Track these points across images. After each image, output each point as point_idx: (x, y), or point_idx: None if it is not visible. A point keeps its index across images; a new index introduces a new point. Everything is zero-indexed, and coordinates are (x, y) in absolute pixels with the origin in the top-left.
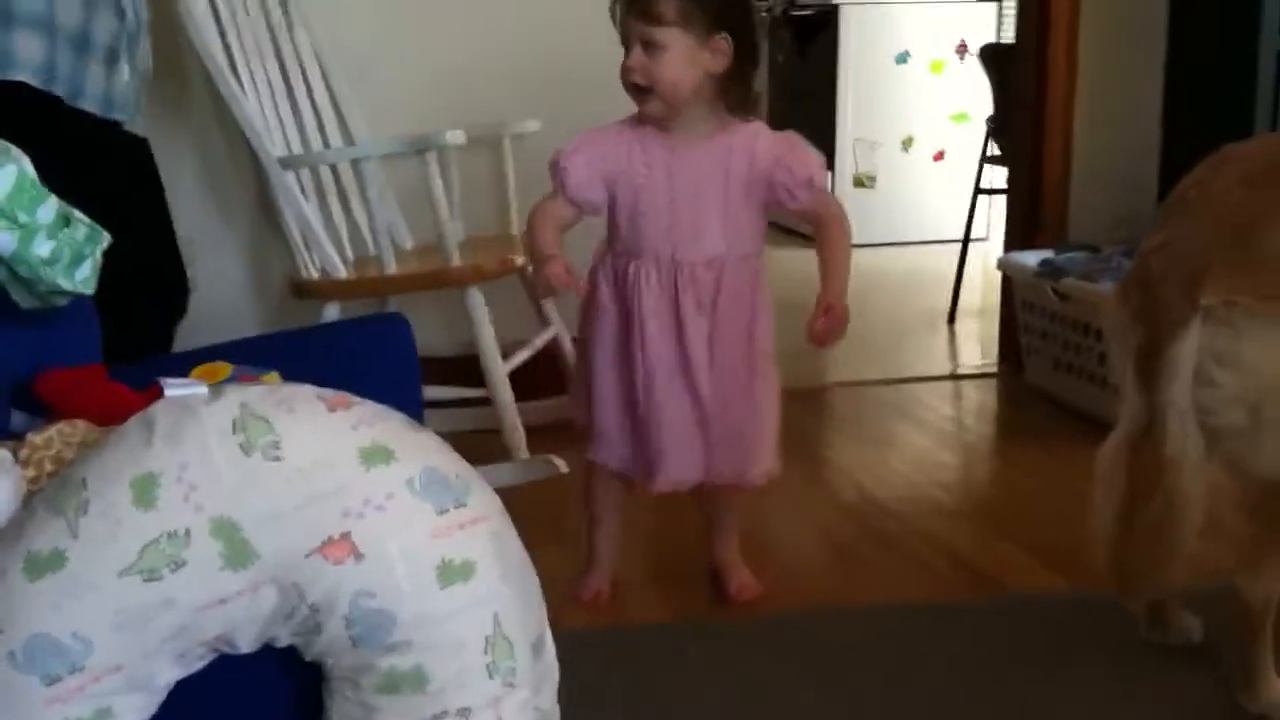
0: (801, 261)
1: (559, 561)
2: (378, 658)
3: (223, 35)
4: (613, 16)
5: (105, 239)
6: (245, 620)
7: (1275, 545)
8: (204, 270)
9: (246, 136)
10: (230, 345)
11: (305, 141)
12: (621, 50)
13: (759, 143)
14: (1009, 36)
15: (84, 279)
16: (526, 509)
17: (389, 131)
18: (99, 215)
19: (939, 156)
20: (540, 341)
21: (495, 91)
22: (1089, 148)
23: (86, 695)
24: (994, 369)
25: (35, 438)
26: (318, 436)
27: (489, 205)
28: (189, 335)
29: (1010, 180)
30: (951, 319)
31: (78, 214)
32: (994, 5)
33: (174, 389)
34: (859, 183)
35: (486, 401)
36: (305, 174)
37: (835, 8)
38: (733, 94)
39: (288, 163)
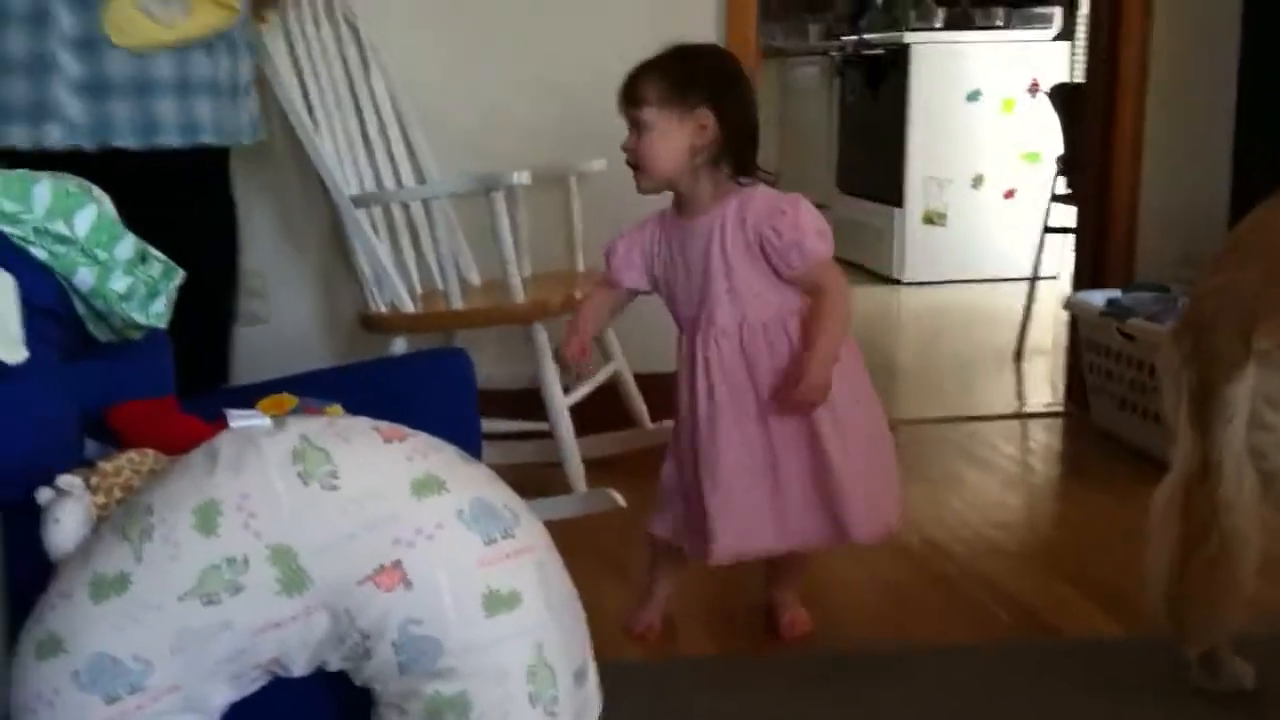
0: (864, 296)
1: (614, 594)
2: (424, 684)
3: (300, 78)
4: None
5: (179, 275)
6: (298, 644)
7: None
8: (277, 304)
9: (321, 175)
10: (297, 378)
11: (377, 180)
12: None
13: (751, 205)
14: (1081, 76)
15: (158, 313)
16: (584, 542)
17: (458, 171)
18: (183, 243)
19: (1010, 194)
20: (601, 376)
21: (562, 132)
22: (1157, 188)
23: (145, 715)
24: (1060, 408)
25: (106, 465)
26: (373, 467)
27: (555, 243)
28: (261, 366)
29: (1078, 220)
30: (1018, 357)
31: (153, 251)
32: (1067, 44)
33: (238, 420)
34: (929, 219)
35: (548, 435)
36: (376, 211)
37: (906, 47)
38: (729, 162)
39: (360, 201)
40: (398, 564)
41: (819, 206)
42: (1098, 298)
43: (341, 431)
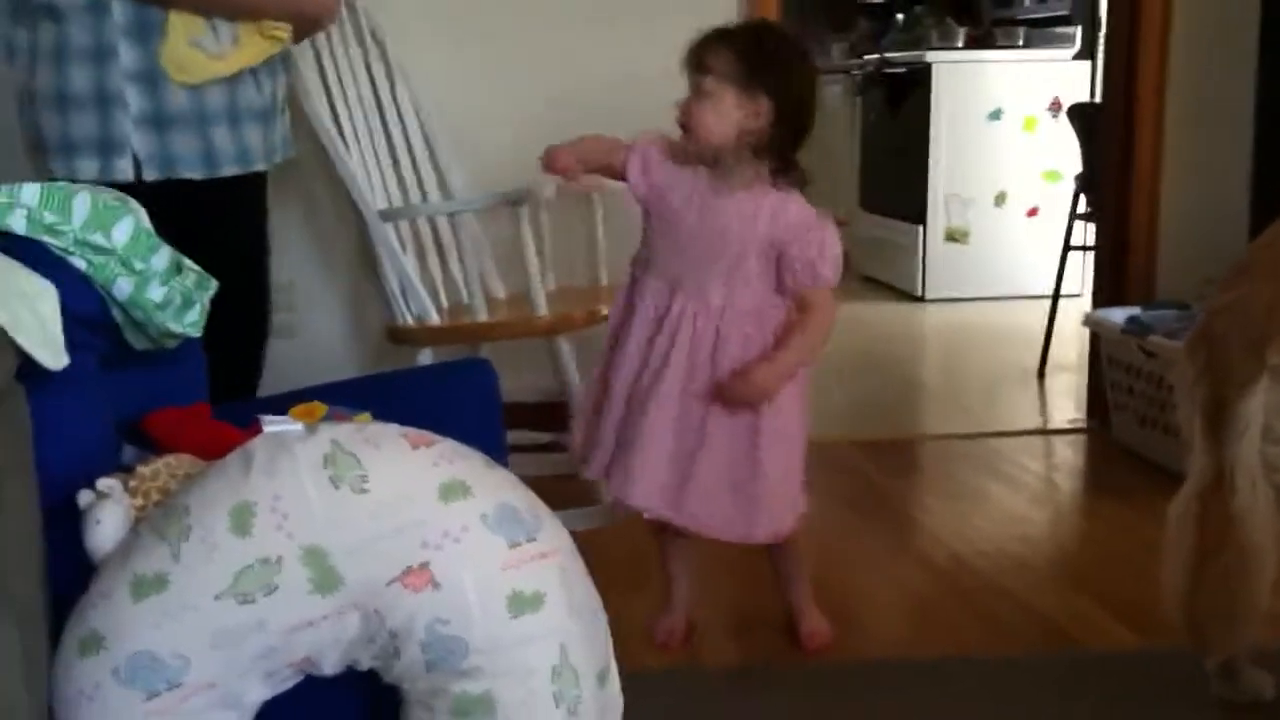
0: (887, 313)
1: (636, 605)
2: (451, 682)
3: (329, 95)
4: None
5: (213, 285)
6: (330, 643)
7: None
8: (306, 316)
9: (349, 190)
10: (327, 387)
11: (404, 195)
12: None
13: (786, 212)
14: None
15: (192, 322)
16: (606, 553)
17: (484, 185)
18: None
19: (1033, 212)
20: None
21: None
22: (1177, 206)
23: (183, 710)
24: (1083, 425)
25: (144, 469)
26: (401, 472)
27: (579, 257)
28: (291, 377)
29: (1098, 237)
30: (1042, 374)
31: (188, 262)
32: (1087, 63)
33: (272, 426)
34: (951, 237)
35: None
36: (403, 226)
37: (928, 66)
38: (771, 159)
39: (387, 215)
40: (425, 566)
41: (839, 224)
42: (1118, 315)
43: (371, 437)
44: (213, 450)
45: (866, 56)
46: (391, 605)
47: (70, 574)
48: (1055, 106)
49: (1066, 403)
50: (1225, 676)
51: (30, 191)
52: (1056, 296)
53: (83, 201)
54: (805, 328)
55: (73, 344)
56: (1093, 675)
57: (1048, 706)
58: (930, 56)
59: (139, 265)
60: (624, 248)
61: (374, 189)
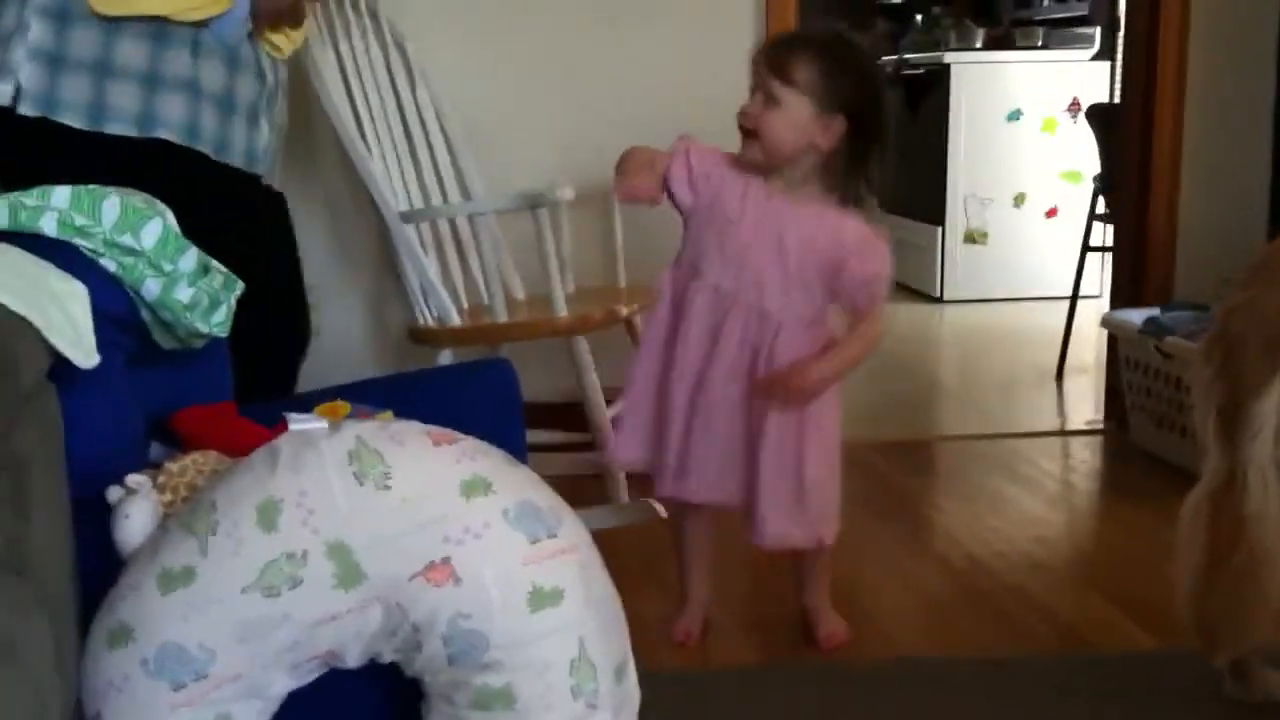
0: (905, 315)
1: (654, 604)
2: (471, 675)
3: (350, 97)
4: (750, 64)
5: (239, 286)
6: (353, 636)
7: None
8: (328, 317)
9: (370, 191)
10: (350, 386)
11: (425, 196)
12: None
13: (846, 230)
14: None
15: (219, 323)
16: (625, 553)
17: (503, 188)
18: (239, 259)
19: (1052, 213)
20: None
21: (604, 149)
22: (1195, 207)
23: (209, 701)
24: (1100, 426)
25: (172, 465)
26: (424, 469)
27: (597, 258)
28: (314, 377)
29: (1116, 238)
30: (1060, 375)
31: (215, 263)
32: (1106, 64)
33: (297, 424)
34: (970, 239)
35: (590, 446)
36: (424, 227)
37: (947, 67)
38: (836, 178)
39: (408, 216)
40: (447, 561)
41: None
42: (1136, 316)
43: (395, 435)
44: (239, 447)
45: (885, 57)
46: (413, 599)
47: (99, 568)
48: (1074, 107)
49: (1084, 404)
50: (1237, 677)
51: (61, 194)
52: (1075, 297)
53: (112, 204)
54: (860, 334)
55: (102, 343)
56: (1108, 676)
57: (1063, 707)
58: (949, 57)
59: (167, 266)
60: (642, 248)
61: (395, 190)
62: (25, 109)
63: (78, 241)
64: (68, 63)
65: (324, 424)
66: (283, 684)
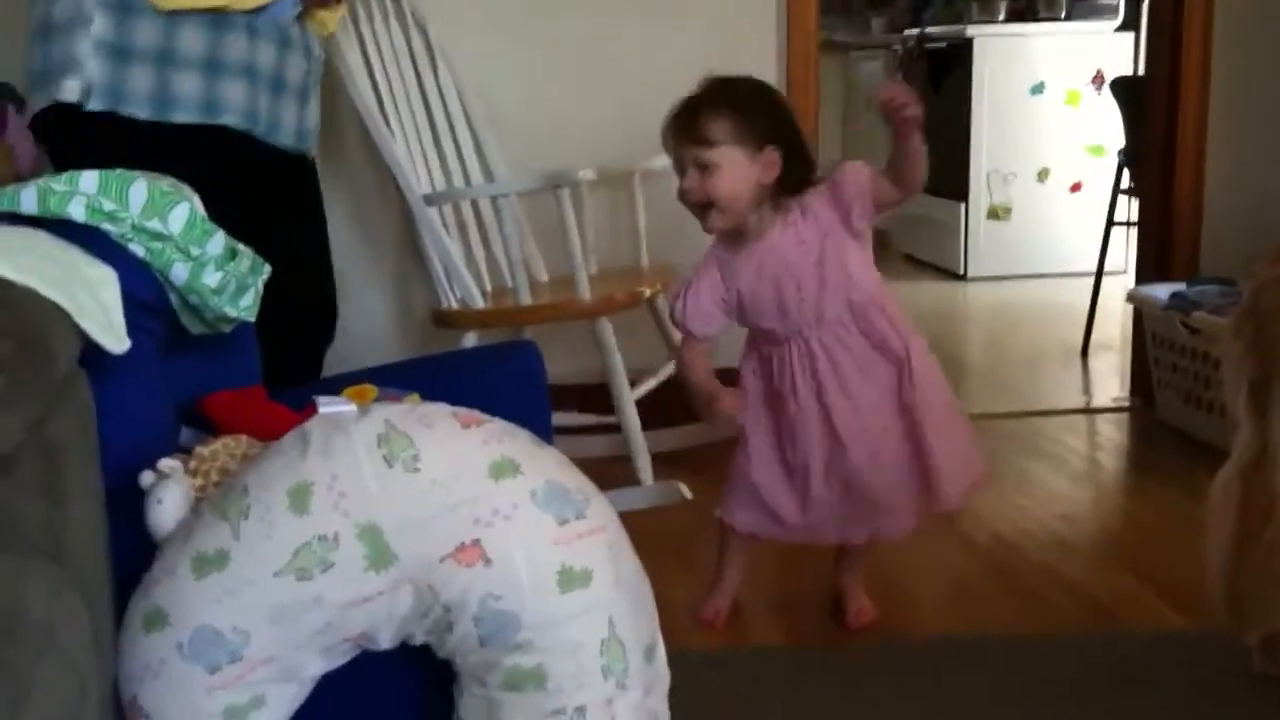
0: (929, 292)
1: (681, 585)
2: (503, 656)
3: (373, 80)
4: (665, 145)
5: (266, 270)
6: (385, 618)
7: None
8: (353, 301)
9: (394, 174)
10: (377, 370)
11: (447, 179)
12: None
13: (813, 200)
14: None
15: (247, 307)
16: (651, 534)
17: (526, 169)
18: (284, 240)
19: (1076, 188)
20: (666, 372)
21: (626, 131)
22: (1221, 180)
23: (245, 684)
24: (1126, 403)
25: (203, 450)
26: (452, 451)
27: (620, 239)
28: (339, 360)
29: (1141, 213)
30: (1085, 352)
31: (242, 247)
32: (1130, 35)
33: (326, 407)
34: (993, 214)
35: (615, 428)
36: (447, 210)
37: (969, 41)
38: (788, 189)
39: (431, 199)
40: (477, 542)
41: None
42: (1161, 291)
43: (423, 417)
44: (269, 431)
45: (906, 31)
46: (444, 581)
47: (133, 552)
48: (1098, 80)
49: (1110, 381)
50: (1268, 653)
51: (89, 179)
52: (1100, 273)
53: (139, 189)
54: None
55: (132, 329)
56: (1136, 653)
57: (1090, 685)
58: (971, 30)
59: (195, 251)
60: (664, 230)
61: (418, 173)
62: (93, 104)
63: (106, 227)
64: (132, 54)
65: (353, 407)
66: (316, 666)
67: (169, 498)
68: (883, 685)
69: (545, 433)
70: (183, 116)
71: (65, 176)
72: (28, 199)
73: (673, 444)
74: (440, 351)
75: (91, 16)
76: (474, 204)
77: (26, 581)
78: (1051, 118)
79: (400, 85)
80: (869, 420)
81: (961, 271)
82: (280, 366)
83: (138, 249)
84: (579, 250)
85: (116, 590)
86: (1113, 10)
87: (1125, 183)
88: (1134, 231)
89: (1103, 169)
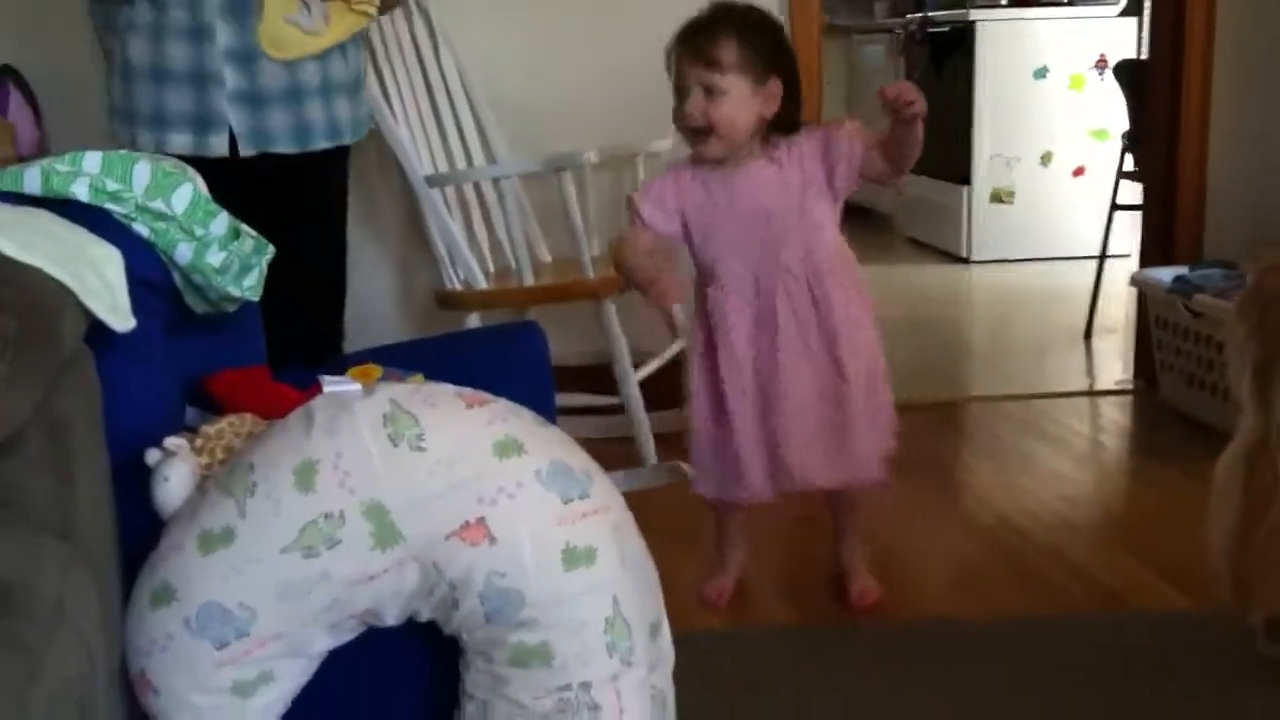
0: (932, 275)
1: (685, 565)
2: (508, 633)
3: (375, 62)
4: (668, 65)
5: (270, 250)
6: (391, 595)
7: None
8: (356, 282)
9: (396, 156)
10: (381, 350)
11: (450, 160)
12: None
13: (803, 146)
14: (1148, 51)
15: (251, 286)
16: (655, 514)
17: (528, 151)
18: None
19: (1079, 172)
20: (669, 353)
21: (627, 113)
22: (1225, 164)
23: (252, 659)
24: (1130, 386)
25: (208, 429)
26: (457, 430)
27: (622, 221)
28: (344, 342)
29: (1145, 197)
30: (1089, 335)
31: (245, 228)
32: (1134, 19)
33: (332, 386)
34: (996, 198)
35: (618, 409)
36: (450, 191)
37: (971, 24)
38: (780, 127)
39: (434, 180)
40: (482, 520)
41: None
42: (1165, 275)
43: (428, 397)
44: (274, 410)
45: (909, 15)
46: (450, 559)
47: (139, 529)
48: (1101, 64)
49: (1114, 364)
50: (1271, 635)
51: (92, 159)
52: (1103, 257)
53: (143, 169)
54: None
55: (137, 308)
56: (1139, 635)
57: (1093, 666)
58: (974, 14)
59: (198, 231)
60: None
61: (420, 154)
62: (244, 150)
63: (110, 207)
64: (266, 99)
65: (357, 387)
66: (323, 642)
67: (175, 476)
68: (889, 667)
69: (549, 413)
70: (316, 144)
71: (68, 157)
72: (31, 179)
73: (676, 425)
74: (444, 332)
75: (220, 70)
76: (476, 186)
77: (35, 557)
78: (1055, 102)
79: (403, 67)
80: (793, 378)
81: (965, 255)
82: (307, 338)
83: (142, 229)
84: (581, 231)
85: (123, 567)
86: None
87: (1128, 166)
88: (1137, 215)
89: (1106, 153)
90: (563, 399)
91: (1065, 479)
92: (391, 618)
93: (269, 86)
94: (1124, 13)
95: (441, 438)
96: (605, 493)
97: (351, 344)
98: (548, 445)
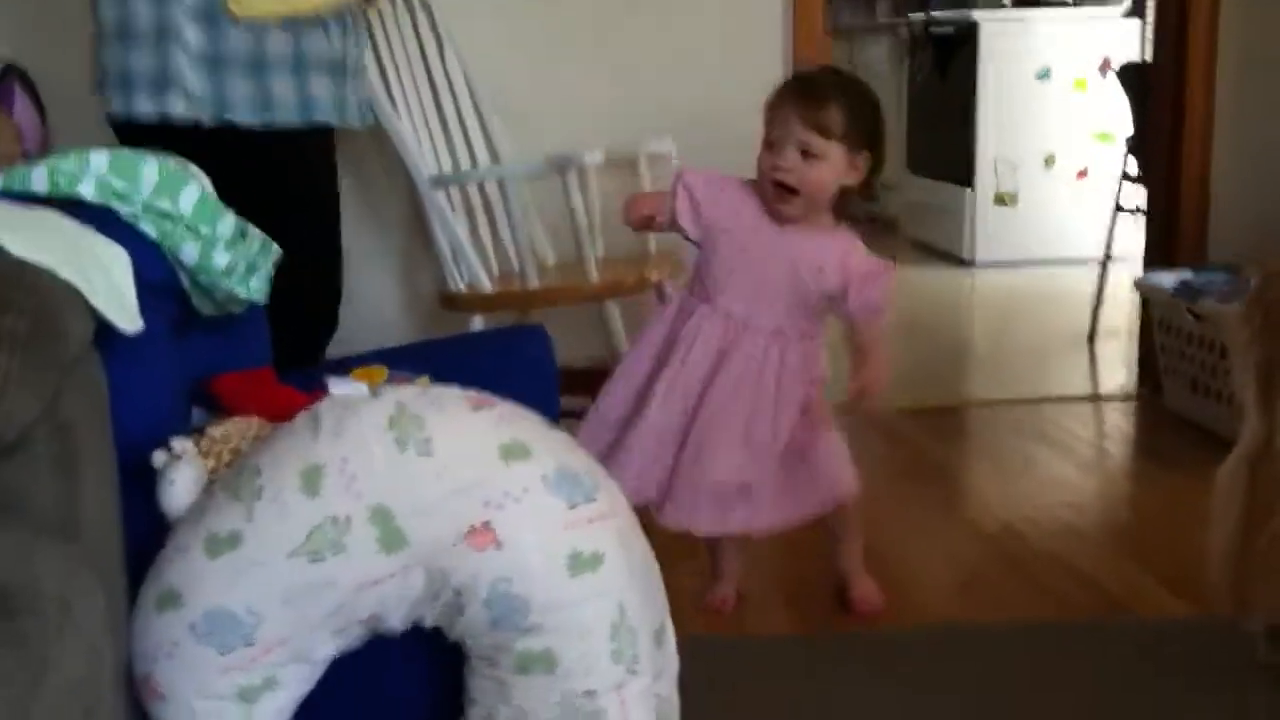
0: (935, 278)
1: (688, 571)
2: (513, 639)
3: (379, 60)
4: (767, 113)
5: (276, 252)
6: (396, 600)
7: None
8: (360, 283)
9: (400, 157)
10: (386, 352)
11: (454, 161)
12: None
13: (851, 257)
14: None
15: (257, 288)
16: (656, 522)
17: (533, 152)
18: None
19: (1082, 175)
20: None
21: (631, 114)
22: (1228, 168)
23: (257, 665)
24: (1133, 390)
25: (214, 431)
26: (464, 433)
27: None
28: (345, 342)
29: (1148, 200)
30: (1091, 339)
31: (252, 228)
32: (1137, 21)
33: (338, 388)
34: (1000, 200)
35: None
36: (454, 192)
37: (975, 25)
38: (846, 203)
39: (438, 181)
40: (488, 525)
41: (885, 188)
42: (1168, 279)
43: (434, 400)
44: (280, 413)
45: (912, 15)
46: (456, 564)
47: (145, 531)
48: (1105, 66)
49: (1117, 368)
50: (1272, 642)
51: (99, 159)
52: (1107, 260)
53: (150, 169)
54: (877, 339)
55: (144, 309)
56: (1141, 641)
57: (1096, 672)
58: (977, 15)
59: (205, 231)
60: None
61: (424, 155)
62: (201, 116)
63: (116, 206)
64: (227, 62)
65: (364, 389)
66: (328, 648)
67: (181, 478)
68: (888, 672)
69: (554, 415)
70: (284, 119)
71: (74, 155)
72: (38, 178)
73: None
74: (448, 334)
75: (181, 28)
76: (480, 187)
77: (41, 558)
78: (1058, 104)
79: (406, 68)
80: (725, 420)
81: (968, 258)
82: (287, 348)
83: (148, 229)
84: (586, 233)
85: (129, 568)
86: None
87: (1132, 169)
88: (1140, 219)
89: (1109, 156)
90: (569, 401)
91: (1068, 484)
92: (396, 623)
93: (232, 50)
94: (1128, 15)
95: (448, 441)
96: (611, 498)
97: (354, 345)
98: (554, 449)
